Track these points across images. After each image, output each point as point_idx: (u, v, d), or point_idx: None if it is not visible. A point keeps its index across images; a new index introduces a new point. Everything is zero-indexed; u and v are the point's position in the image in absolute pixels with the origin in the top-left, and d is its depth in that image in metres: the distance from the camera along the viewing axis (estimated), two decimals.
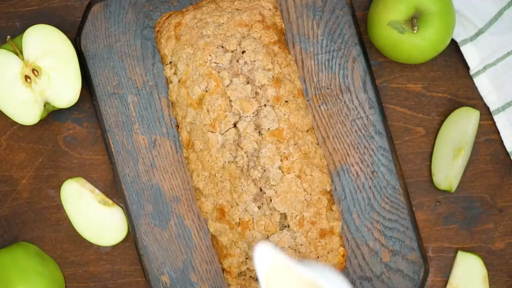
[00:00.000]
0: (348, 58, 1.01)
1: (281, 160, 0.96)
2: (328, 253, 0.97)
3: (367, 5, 1.05)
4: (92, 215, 1.04)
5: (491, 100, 1.04)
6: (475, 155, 1.04)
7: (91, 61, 1.02)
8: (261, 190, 0.96)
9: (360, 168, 1.01)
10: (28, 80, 0.99)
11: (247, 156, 0.96)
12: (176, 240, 1.02)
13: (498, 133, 1.04)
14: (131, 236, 1.05)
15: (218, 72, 0.97)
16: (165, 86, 1.02)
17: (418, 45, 0.97)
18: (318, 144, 1.00)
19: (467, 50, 1.03)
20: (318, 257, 0.96)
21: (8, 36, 1.00)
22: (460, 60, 1.05)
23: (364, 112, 1.01)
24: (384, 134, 1.01)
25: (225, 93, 0.97)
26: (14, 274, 1.00)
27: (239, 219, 0.98)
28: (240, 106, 0.97)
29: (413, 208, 1.04)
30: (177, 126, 1.01)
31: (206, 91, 0.97)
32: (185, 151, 1.00)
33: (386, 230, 1.01)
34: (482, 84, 1.04)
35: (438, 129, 1.05)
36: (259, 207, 0.96)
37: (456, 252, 1.04)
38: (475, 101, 1.05)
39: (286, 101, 0.98)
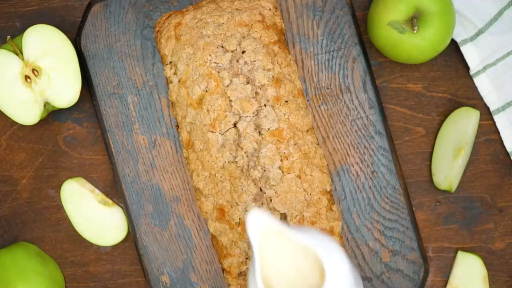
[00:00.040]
0: (348, 58, 1.01)
1: (281, 160, 0.96)
2: None
3: (367, 5, 1.05)
4: (92, 215, 1.04)
5: (491, 100, 1.04)
6: (475, 155, 1.04)
7: (91, 61, 1.02)
8: (261, 190, 0.96)
9: (360, 168, 1.01)
10: (28, 80, 0.99)
11: (247, 156, 0.96)
12: (176, 240, 1.02)
13: (498, 133, 1.04)
14: (131, 236, 1.05)
15: (218, 72, 0.97)
16: (165, 86, 1.02)
17: (418, 45, 0.97)
18: (318, 144, 1.00)
19: (467, 50, 1.03)
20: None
21: (8, 36, 1.00)
22: (460, 60, 1.05)
23: (364, 112, 1.01)
24: (384, 134, 1.01)
25: (225, 93, 0.97)
26: (14, 274, 1.00)
27: (239, 219, 0.98)
28: (240, 106, 0.97)
29: (413, 208, 1.04)
30: (177, 126, 1.01)
31: (206, 91, 0.97)
32: (185, 151, 1.00)
33: (386, 230, 1.01)
34: (482, 84, 1.04)
35: (438, 129, 1.05)
36: (259, 207, 0.96)
37: (456, 252, 1.04)
38: (475, 101, 1.05)
39: (286, 101, 0.98)
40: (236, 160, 0.96)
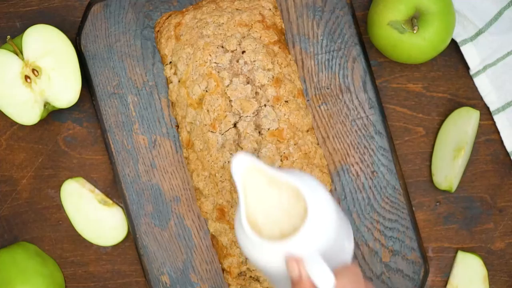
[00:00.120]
0: (348, 58, 1.01)
1: (281, 160, 0.96)
2: None
3: (367, 5, 1.05)
4: (92, 215, 1.04)
5: (491, 100, 1.04)
6: (475, 155, 1.04)
7: (91, 61, 1.02)
8: None
9: (360, 168, 1.01)
10: (28, 80, 0.99)
11: None
12: (176, 240, 1.02)
13: (498, 133, 1.04)
14: (131, 236, 1.05)
15: (218, 72, 0.97)
16: (165, 86, 1.02)
17: (418, 45, 0.97)
18: (318, 144, 1.00)
19: (467, 50, 1.03)
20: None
21: (8, 36, 1.00)
22: (460, 60, 1.05)
23: (364, 112, 1.01)
24: (384, 134, 1.01)
25: (225, 93, 0.97)
26: (14, 274, 1.00)
27: None
28: (240, 106, 0.97)
29: (413, 208, 1.04)
30: (177, 126, 1.01)
31: (206, 91, 0.97)
32: (185, 151, 1.00)
33: (386, 230, 1.01)
34: (482, 84, 1.04)
35: (438, 129, 1.05)
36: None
37: (456, 252, 1.04)
38: (475, 101, 1.05)
39: (286, 101, 0.98)
40: None
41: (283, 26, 1.01)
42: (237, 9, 1.00)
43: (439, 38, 0.97)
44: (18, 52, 0.99)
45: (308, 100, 1.01)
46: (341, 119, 1.01)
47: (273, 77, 0.98)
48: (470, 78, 1.05)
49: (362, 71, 1.01)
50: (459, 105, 1.05)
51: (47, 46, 0.99)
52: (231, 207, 0.97)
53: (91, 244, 1.05)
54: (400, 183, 1.01)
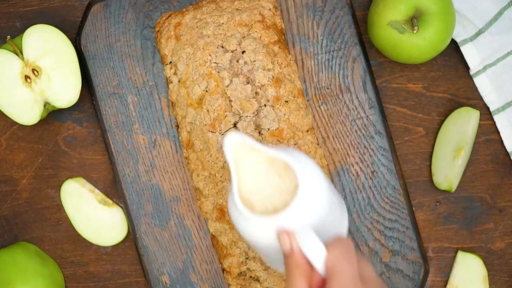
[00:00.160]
0: (348, 58, 1.01)
1: None
2: None
3: (367, 5, 1.05)
4: (92, 215, 1.04)
5: (491, 100, 1.04)
6: (475, 155, 1.04)
7: (91, 61, 1.02)
8: None
9: (360, 168, 1.01)
10: (28, 80, 0.99)
11: None
12: (176, 240, 1.02)
13: (498, 133, 1.04)
14: (131, 236, 1.05)
15: (218, 72, 0.97)
16: (165, 86, 1.02)
17: (418, 45, 0.97)
18: (318, 144, 1.00)
19: (467, 50, 1.03)
20: None
21: (8, 36, 1.00)
22: (460, 60, 1.05)
23: (364, 112, 1.01)
24: (384, 134, 1.01)
25: (225, 93, 0.97)
26: (14, 274, 1.00)
27: None
28: (240, 106, 0.97)
29: (413, 208, 1.04)
30: (177, 126, 1.01)
31: (206, 91, 0.97)
32: (185, 151, 1.00)
33: (386, 230, 1.01)
34: (482, 84, 1.04)
35: (438, 129, 1.05)
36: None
37: (456, 252, 1.04)
38: (475, 101, 1.05)
39: (286, 101, 0.98)
40: None
41: (283, 26, 1.01)
42: (237, 9, 1.00)
43: (439, 38, 0.97)
44: (18, 52, 0.99)
45: (308, 100, 1.01)
46: (341, 119, 1.01)
47: (273, 77, 0.98)
48: (470, 78, 1.05)
49: (362, 71, 1.01)
50: (459, 105, 1.05)
51: (47, 46, 0.99)
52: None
53: (91, 244, 1.05)
54: (400, 183, 1.01)
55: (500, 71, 1.03)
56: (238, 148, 0.81)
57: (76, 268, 1.05)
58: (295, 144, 0.97)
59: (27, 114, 1.00)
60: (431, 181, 1.05)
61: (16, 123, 1.05)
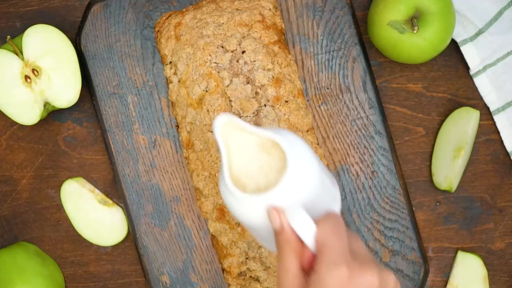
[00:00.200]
0: (348, 58, 1.01)
1: None
2: None
3: (367, 5, 1.05)
4: (92, 215, 1.04)
5: (491, 100, 1.04)
6: (475, 155, 1.04)
7: (91, 61, 1.02)
8: None
9: (360, 168, 1.01)
10: (28, 80, 0.99)
11: None
12: (176, 240, 1.02)
13: (498, 133, 1.04)
14: (131, 236, 1.05)
15: (218, 72, 0.97)
16: (165, 86, 1.02)
17: (418, 45, 0.97)
18: (318, 144, 1.00)
19: (467, 50, 1.03)
20: None
21: (8, 36, 1.00)
22: (460, 60, 1.05)
23: (364, 112, 1.01)
24: (384, 134, 1.01)
25: (225, 93, 0.97)
26: (14, 274, 1.00)
27: None
28: (240, 106, 0.97)
29: (413, 208, 1.04)
30: (177, 126, 1.01)
31: (206, 91, 0.97)
32: (185, 151, 1.00)
33: (386, 230, 1.01)
34: (482, 84, 1.04)
35: (438, 129, 1.05)
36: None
37: (456, 252, 1.04)
38: (475, 101, 1.05)
39: (286, 101, 0.98)
40: None
41: (283, 26, 1.01)
42: (237, 9, 1.00)
43: (439, 38, 0.97)
44: (18, 52, 0.99)
45: (308, 100, 1.01)
46: (341, 119, 1.01)
47: (273, 77, 0.98)
48: (470, 78, 1.05)
49: (362, 71, 1.01)
50: (459, 105, 1.05)
51: (47, 46, 0.99)
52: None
53: (91, 244, 1.05)
54: (400, 183, 1.01)
55: (500, 71, 1.03)
56: (227, 129, 0.82)
57: (76, 268, 1.05)
58: None
59: (27, 114, 1.00)
60: (431, 181, 1.05)
61: (16, 123, 1.05)
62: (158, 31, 1.01)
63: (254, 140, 0.82)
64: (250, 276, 0.99)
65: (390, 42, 0.98)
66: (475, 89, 1.05)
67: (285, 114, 0.97)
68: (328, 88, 1.01)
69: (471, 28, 1.03)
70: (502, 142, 1.04)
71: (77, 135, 1.05)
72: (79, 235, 1.05)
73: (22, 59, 0.99)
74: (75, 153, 1.05)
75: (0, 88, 0.99)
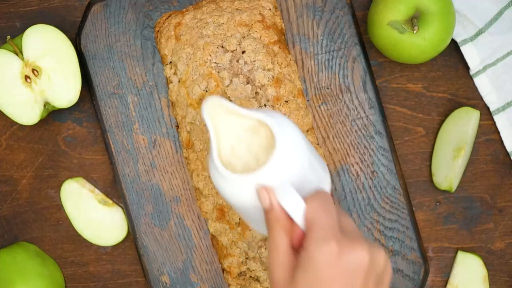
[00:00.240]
0: (348, 58, 1.01)
1: None
2: None
3: (367, 5, 1.05)
4: (92, 215, 1.04)
5: (491, 100, 1.04)
6: (475, 155, 1.04)
7: (91, 61, 1.02)
8: None
9: (360, 168, 1.01)
10: (28, 80, 0.99)
11: None
12: (176, 240, 1.02)
13: (498, 133, 1.04)
14: (131, 236, 1.05)
15: (218, 72, 0.97)
16: (165, 86, 1.02)
17: (418, 45, 0.97)
18: (318, 144, 1.00)
19: (467, 50, 1.03)
20: None
21: (8, 36, 1.00)
22: (460, 60, 1.05)
23: (364, 112, 1.01)
24: (384, 134, 1.01)
25: (225, 93, 0.97)
26: (14, 274, 1.00)
27: (239, 219, 0.98)
28: None
29: (413, 208, 1.04)
30: (177, 126, 1.01)
31: (206, 91, 0.97)
32: (185, 151, 1.00)
33: (386, 230, 1.01)
34: (482, 84, 1.04)
35: (438, 129, 1.05)
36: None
37: (456, 252, 1.04)
38: (475, 101, 1.05)
39: (286, 101, 0.98)
40: None
41: (283, 26, 1.01)
42: (237, 9, 1.00)
43: (439, 38, 0.97)
44: (18, 52, 0.99)
45: (308, 100, 1.01)
46: (341, 119, 1.01)
47: (273, 77, 0.98)
48: (470, 78, 1.05)
49: (362, 71, 1.01)
50: (459, 105, 1.05)
51: (47, 46, 0.99)
52: (231, 207, 0.97)
53: (91, 244, 1.05)
54: (400, 183, 1.01)
55: (500, 71, 1.03)
56: (216, 111, 0.82)
57: (76, 268, 1.05)
58: None
59: (27, 114, 1.00)
60: (431, 181, 1.05)
61: (16, 123, 1.05)
62: (158, 31, 1.01)
63: (242, 121, 0.82)
64: (250, 276, 0.99)
65: (390, 42, 0.98)
66: (475, 89, 1.05)
67: (285, 114, 0.97)
68: (328, 88, 1.01)
69: (471, 28, 1.03)
70: (502, 142, 1.04)
71: (77, 135, 1.05)
72: (79, 235, 1.05)
73: (22, 59, 0.99)
74: (75, 153, 1.05)
75: (0, 88, 0.99)
